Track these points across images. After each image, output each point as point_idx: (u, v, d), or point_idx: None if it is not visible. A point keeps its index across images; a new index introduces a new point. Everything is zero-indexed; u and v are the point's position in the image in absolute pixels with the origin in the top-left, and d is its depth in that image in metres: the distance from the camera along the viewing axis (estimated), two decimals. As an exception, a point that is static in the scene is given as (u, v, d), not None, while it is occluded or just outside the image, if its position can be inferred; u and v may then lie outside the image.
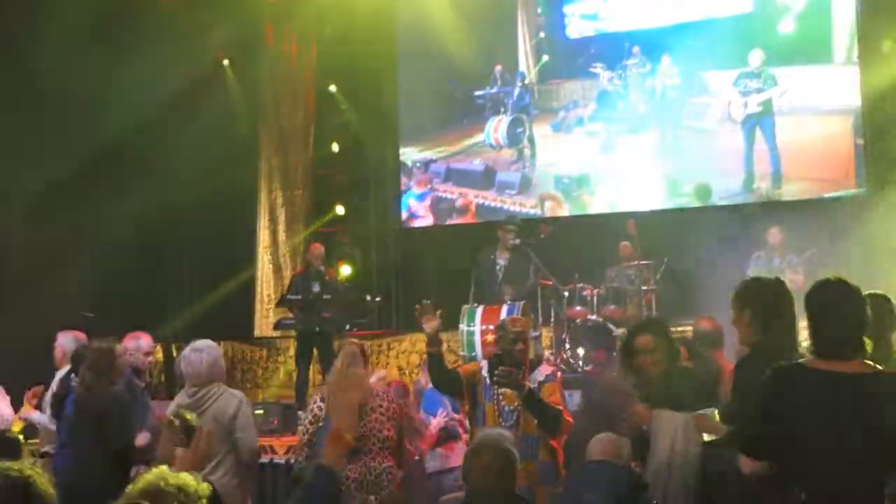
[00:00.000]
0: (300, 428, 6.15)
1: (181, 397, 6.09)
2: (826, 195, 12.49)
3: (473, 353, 9.62)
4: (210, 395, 5.94)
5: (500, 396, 5.84)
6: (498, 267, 10.30)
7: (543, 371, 6.08)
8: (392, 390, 6.50)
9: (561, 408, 5.84)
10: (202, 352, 6.05)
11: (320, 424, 5.87)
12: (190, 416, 5.20)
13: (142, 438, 6.32)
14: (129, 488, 3.28)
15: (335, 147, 14.65)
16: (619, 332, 10.98)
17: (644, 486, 4.89)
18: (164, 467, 3.80)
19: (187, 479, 3.64)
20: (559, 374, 6.28)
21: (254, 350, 13.40)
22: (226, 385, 6.18)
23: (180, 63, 12.93)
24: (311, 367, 11.47)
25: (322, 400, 5.99)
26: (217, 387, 6.00)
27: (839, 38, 12.63)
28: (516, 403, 5.79)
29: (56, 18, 11.53)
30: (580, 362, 10.72)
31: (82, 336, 7.79)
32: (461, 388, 6.00)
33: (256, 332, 14.18)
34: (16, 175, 11.70)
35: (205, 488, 3.60)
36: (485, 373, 5.89)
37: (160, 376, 13.15)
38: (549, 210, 13.76)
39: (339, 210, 14.56)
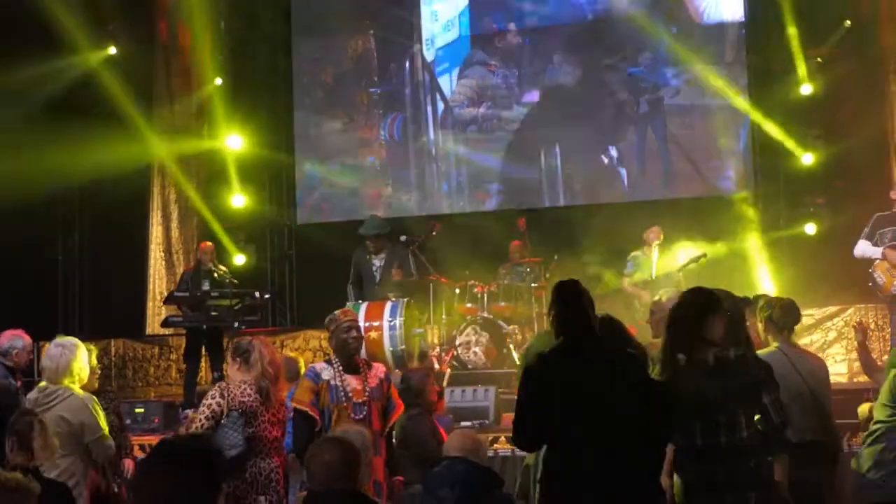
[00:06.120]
0: (194, 425, 5.86)
1: (34, 392, 5.92)
2: (714, 194, 12.70)
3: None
4: (58, 394, 5.76)
5: (350, 394, 5.82)
6: (374, 268, 10.25)
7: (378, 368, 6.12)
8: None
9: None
10: (63, 348, 5.88)
11: (221, 421, 5.70)
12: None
13: None
14: None
15: (231, 142, 14.35)
16: (510, 328, 11.06)
17: (500, 483, 4.91)
18: None
19: (17, 477, 3.72)
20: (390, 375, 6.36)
21: (145, 348, 13.07)
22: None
23: (71, 57, 12.73)
24: (200, 364, 11.30)
25: (222, 396, 5.75)
26: (67, 387, 5.80)
27: (729, 39, 12.85)
28: (365, 398, 5.79)
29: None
30: (470, 358, 10.75)
31: None
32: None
33: (148, 330, 13.90)
34: None
35: (35, 487, 3.72)
36: (325, 376, 5.84)
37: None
38: (437, 209, 13.77)
39: (235, 203, 14.31)
